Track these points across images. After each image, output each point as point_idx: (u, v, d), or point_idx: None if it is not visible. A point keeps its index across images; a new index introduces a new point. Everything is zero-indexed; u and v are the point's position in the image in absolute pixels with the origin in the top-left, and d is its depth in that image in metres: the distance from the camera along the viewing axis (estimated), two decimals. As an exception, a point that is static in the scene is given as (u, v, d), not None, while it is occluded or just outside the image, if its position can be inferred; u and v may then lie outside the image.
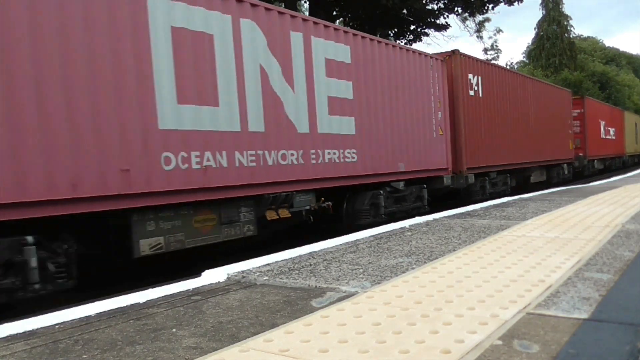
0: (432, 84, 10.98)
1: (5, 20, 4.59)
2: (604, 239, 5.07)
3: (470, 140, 12.27)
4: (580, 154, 21.30)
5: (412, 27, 21.63)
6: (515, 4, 21.55)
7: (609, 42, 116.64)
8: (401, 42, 21.42)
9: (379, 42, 9.50)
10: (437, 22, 21.98)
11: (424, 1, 20.58)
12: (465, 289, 3.43)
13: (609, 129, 26.05)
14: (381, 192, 9.53)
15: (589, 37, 62.23)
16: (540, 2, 49.32)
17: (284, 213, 7.46)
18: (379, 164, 9.28)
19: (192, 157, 6.08)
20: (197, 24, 6.20)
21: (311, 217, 8.12)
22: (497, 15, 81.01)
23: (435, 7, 21.41)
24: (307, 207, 7.96)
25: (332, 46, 8.28)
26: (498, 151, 13.60)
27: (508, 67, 50.09)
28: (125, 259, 5.69)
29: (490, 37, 46.85)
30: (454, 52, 12.05)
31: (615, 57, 60.57)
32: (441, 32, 22.37)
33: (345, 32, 8.69)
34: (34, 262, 4.84)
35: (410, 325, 2.75)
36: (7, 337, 2.93)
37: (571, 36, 50.17)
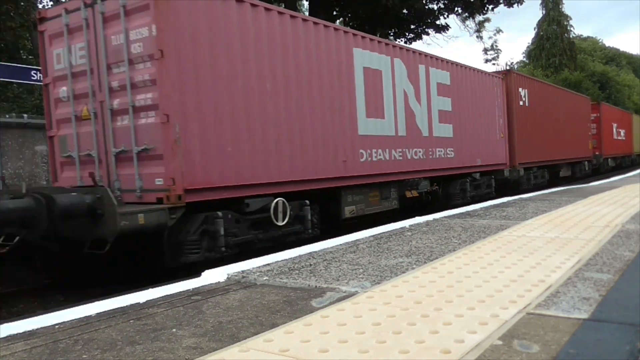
0: (496, 97, 14.21)
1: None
2: (604, 239, 5.07)
3: (520, 141, 15.21)
4: (597, 153, 24.32)
5: (412, 27, 21.62)
6: (515, 5, 21.55)
7: (609, 42, 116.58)
8: (401, 41, 21.42)
9: (464, 67, 12.74)
10: (437, 22, 21.97)
11: (424, 1, 20.57)
12: (465, 289, 3.43)
13: (620, 130, 29.30)
14: (467, 180, 12.84)
15: (588, 37, 62.27)
16: (540, 2, 49.33)
17: (415, 193, 11.01)
18: (466, 159, 12.50)
19: (373, 153, 9.28)
20: (374, 63, 9.38)
21: (430, 197, 11.97)
22: (499, 15, 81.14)
23: (435, 7, 21.40)
24: (426, 190, 11.49)
25: (440, 73, 11.56)
26: (538, 150, 16.58)
27: (508, 67, 50.15)
28: (336, 220, 8.74)
29: (490, 37, 46.78)
30: (509, 72, 15.53)
31: (615, 57, 60.57)
32: (441, 33, 22.38)
33: (447, 62, 11.96)
34: (309, 216, 7.86)
35: (410, 325, 2.75)
36: (7, 337, 2.93)
37: (571, 36, 50.16)
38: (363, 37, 9.10)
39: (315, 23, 8.05)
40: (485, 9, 22.19)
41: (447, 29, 22.11)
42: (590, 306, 2.95)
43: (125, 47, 6.10)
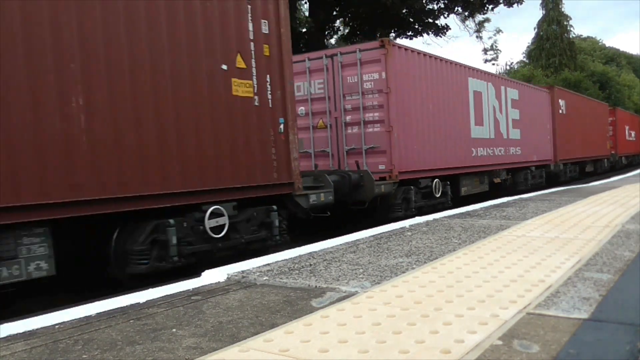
0: (544, 107, 18.20)
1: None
2: (604, 239, 5.07)
3: (560, 142, 19.14)
4: (613, 152, 28.31)
5: (412, 27, 21.62)
6: (515, 5, 21.55)
7: (610, 42, 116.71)
8: (401, 40, 21.43)
9: (526, 85, 17.57)
10: (437, 23, 21.97)
11: (423, 1, 20.57)
12: (465, 289, 3.43)
13: (631, 132, 33.74)
14: (528, 171, 16.70)
15: (588, 37, 62.27)
16: (540, 2, 49.32)
17: (498, 180, 14.71)
18: (527, 155, 16.27)
19: (478, 150, 12.95)
20: (478, 87, 13.11)
21: (506, 183, 15.44)
22: (500, 15, 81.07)
23: (435, 7, 21.41)
24: (503, 178, 15.09)
25: (513, 91, 15.47)
26: (573, 149, 20.71)
27: (508, 68, 50.08)
28: (455, 197, 11.96)
29: (490, 38, 46.77)
30: (552, 87, 20.00)
31: (615, 57, 60.58)
32: (441, 36, 22.37)
33: (516, 82, 16.63)
34: (448, 190, 11.56)
35: (410, 325, 2.75)
36: (7, 337, 2.93)
37: (571, 36, 50.15)
38: (473, 70, 13.01)
39: (449, 62, 11.82)
40: (485, 8, 22.20)
41: (447, 30, 22.11)
42: (590, 306, 2.95)
43: (359, 84, 9.83)
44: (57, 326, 3.09)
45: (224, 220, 6.20)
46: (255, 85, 6.70)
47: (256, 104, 6.67)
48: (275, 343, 2.59)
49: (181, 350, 2.59)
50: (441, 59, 11.47)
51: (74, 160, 4.88)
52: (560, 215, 7.21)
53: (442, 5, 21.38)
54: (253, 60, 6.65)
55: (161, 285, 4.05)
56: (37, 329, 3.04)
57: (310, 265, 4.50)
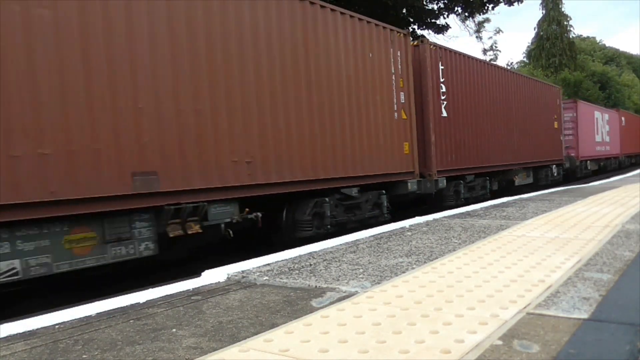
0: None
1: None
2: (604, 239, 5.07)
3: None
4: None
5: (412, 27, 21.60)
6: (515, 4, 21.55)
7: (613, 42, 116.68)
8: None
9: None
10: (437, 22, 21.95)
11: (423, 1, 20.56)
12: (465, 289, 3.43)
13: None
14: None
15: (588, 37, 62.25)
16: (540, 2, 49.29)
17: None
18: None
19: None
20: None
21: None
22: (500, 16, 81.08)
23: (435, 7, 21.40)
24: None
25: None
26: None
27: (508, 67, 50.13)
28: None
29: (490, 38, 46.76)
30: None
31: (615, 57, 60.57)
32: (442, 34, 22.37)
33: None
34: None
35: (410, 325, 2.75)
36: (7, 337, 2.93)
37: (571, 36, 50.13)
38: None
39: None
40: (485, 7, 22.19)
41: (447, 29, 22.10)
42: (590, 306, 2.95)
43: None
44: (57, 326, 3.09)
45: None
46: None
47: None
48: (275, 343, 2.59)
49: (181, 350, 2.59)
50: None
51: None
52: (560, 215, 7.21)
53: (442, 5, 21.37)
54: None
55: (161, 285, 4.05)
56: (37, 329, 3.04)
57: (310, 265, 4.50)
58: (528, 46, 52.43)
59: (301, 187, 7.66)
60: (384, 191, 9.66)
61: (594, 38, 63.25)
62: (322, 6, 8.06)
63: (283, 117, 7.29)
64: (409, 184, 10.18)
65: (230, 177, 6.48)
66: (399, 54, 10.00)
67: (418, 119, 10.62)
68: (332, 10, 8.28)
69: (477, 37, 28.02)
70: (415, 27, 21.63)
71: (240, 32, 6.66)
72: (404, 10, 20.05)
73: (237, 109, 6.61)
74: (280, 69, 7.25)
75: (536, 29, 50.31)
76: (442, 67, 11.41)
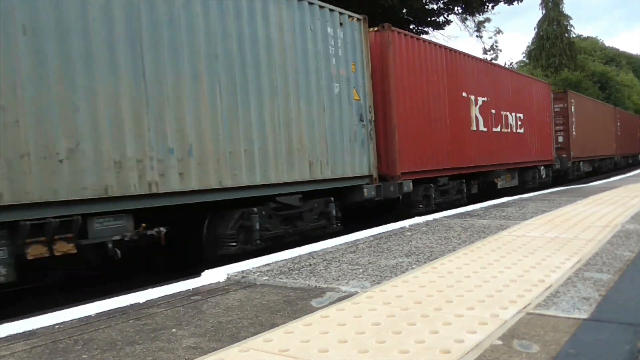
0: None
1: None
2: (604, 239, 5.07)
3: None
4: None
5: (412, 27, 21.61)
6: (515, 3, 21.56)
7: (609, 42, 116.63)
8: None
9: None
10: (437, 20, 21.98)
11: (423, 1, 20.55)
12: (465, 289, 3.43)
13: None
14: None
15: (589, 37, 62.24)
16: (540, 2, 49.29)
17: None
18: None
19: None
20: None
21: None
22: (500, 16, 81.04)
23: (435, 7, 21.41)
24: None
25: None
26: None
27: (508, 67, 50.14)
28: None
29: (490, 37, 46.73)
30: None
31: (615, 57, 60.57)
32: (440, 32, 22.41)
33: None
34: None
35: (410, 325, 2.75)
36: (7, 337, 2.93)
37: (571, 36, 50.12)
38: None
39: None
40: (485, 7, 22.19)
41: (448, 24, 22.12)
42: (590, 306, 2.95)
43: None
44: (57, 326, 3.09)
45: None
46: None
47: None
48: (275, 343, 2.59)
49: (181, 350, 2.59)
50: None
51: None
52: (560, 215, 7.21)
53: (442, 5, 21.38)
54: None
55: (161, 285, 4.05)
56: (37, 329, 3.04)
57: (310, 265, 4.50)
58: (528, 46, 52.43)
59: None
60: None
61: (594, 38, 63.30)
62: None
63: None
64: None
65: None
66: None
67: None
68: None
69: (477, 36, 28.01)
70: (415, 27, 21.65)
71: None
72: (404, 11, 20.06)
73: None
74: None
75: (536, 29, 50.34)
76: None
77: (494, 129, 13.45)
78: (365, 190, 8.62)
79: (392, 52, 9.53)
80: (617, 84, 49.93)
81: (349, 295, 3.43)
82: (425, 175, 10.52)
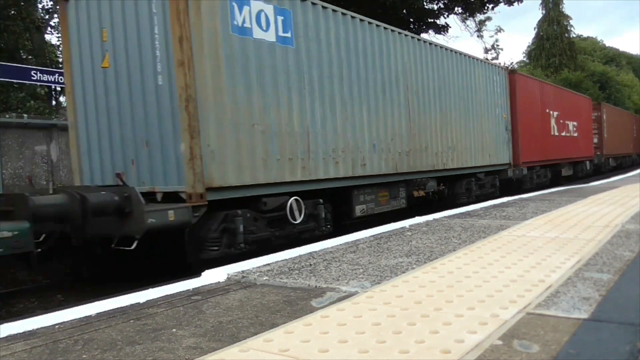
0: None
1: None
2: (604, 239, 5.07)
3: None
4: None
5: (412, 28, 21.62)
6: (515, 4, 21.56)
7: (615, 42, 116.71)
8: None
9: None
10: (437, 22, 21.97)
11: (423, 1, 20.56)
12: (465, 289, 3.43)
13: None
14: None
15: (589, 37, 62.25)
16: (540, 2, 49.28)
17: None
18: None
19: None
20: None
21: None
22: (500, 16, 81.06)
23: (435, 7, 21.41)
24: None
25: None
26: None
27: (508, 67, 50.18)
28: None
29: (491, 37, 46.71)
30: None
31: (615, 57, 60.58)
32: (442, 34, 22.40)
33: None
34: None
35: (410, 325, 2.75)
36: (7, 337, 2.93)
37: (571, 36, 50.12)
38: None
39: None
40: (485, 7, 22.20)
41: (447, 29, 22.11)
42: (590, 306, 2.95)
43: None
44: (57, 326, 3.09)
45: None
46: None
47: None
48: (275, 343, 2.59)
49: (181, 350, 2.59)
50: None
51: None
52: (560, 215, 7.21)
53: (442, 6, 21.38)
54: None
55: (161, 285, 4.05)
56: (37, 329, 3.04)
57: (310, 265, 4.50)
58: (528, 46, 52.43)
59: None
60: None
61: (594, 38, 63.31)
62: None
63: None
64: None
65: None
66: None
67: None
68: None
69: (477, 35, 28.03)
70: (415, 27, 21.65)
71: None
72: (404, 11, 20.05)
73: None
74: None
75: (536, 29, 50.35)
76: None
77: (562, 134, 19.30)
78: (509, 171, 15.06)
79: (517, 88, 15.35)
80: (617, 84, 49.94)
81: (349, 295, 3.43)
82: (532, 164, 16.47)
